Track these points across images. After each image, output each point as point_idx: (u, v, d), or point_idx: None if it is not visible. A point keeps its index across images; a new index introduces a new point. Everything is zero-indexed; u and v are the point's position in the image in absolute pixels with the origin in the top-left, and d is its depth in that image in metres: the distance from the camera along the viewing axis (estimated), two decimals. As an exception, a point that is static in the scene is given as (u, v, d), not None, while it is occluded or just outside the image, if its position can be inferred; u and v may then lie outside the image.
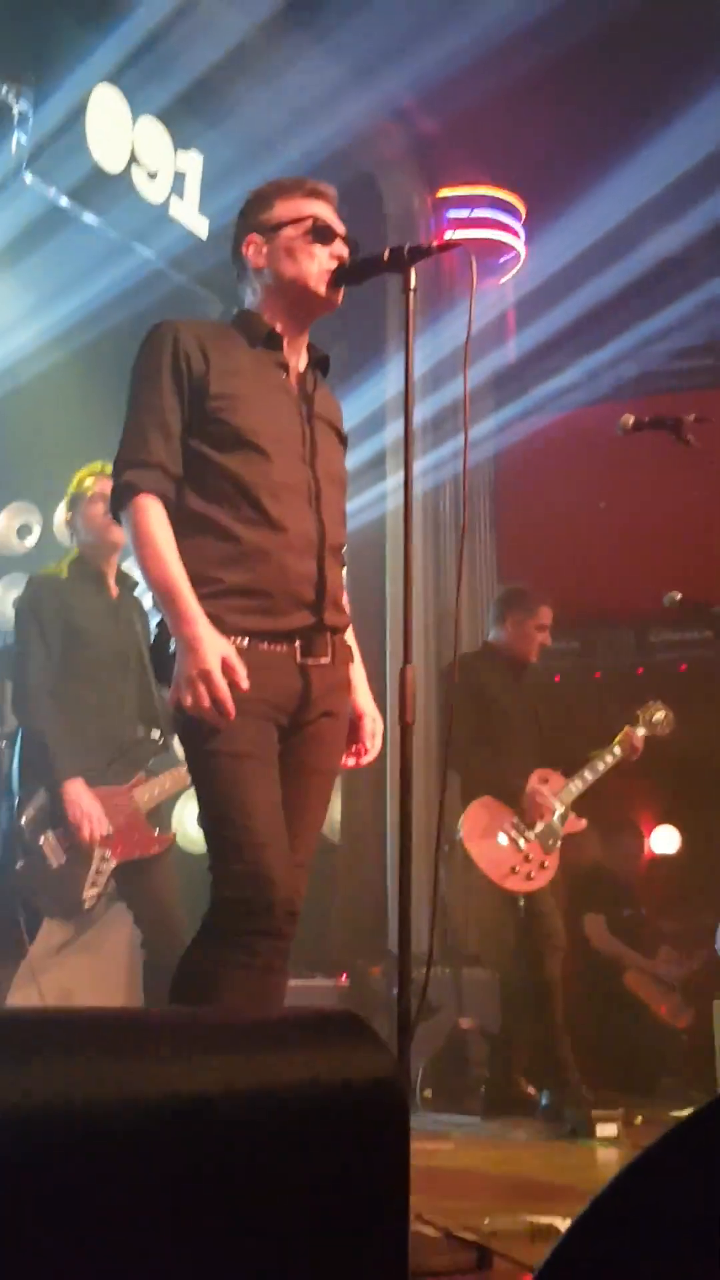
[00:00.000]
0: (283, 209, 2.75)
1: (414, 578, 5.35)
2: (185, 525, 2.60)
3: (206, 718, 2.45)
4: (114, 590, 4.39)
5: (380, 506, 6.72)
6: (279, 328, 2.74)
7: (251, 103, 6.13)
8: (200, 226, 6.33)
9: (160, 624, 2.61)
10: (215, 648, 2.46)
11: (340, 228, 2.73)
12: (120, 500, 2.61)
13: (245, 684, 2.44)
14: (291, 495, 2.61)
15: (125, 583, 4.39)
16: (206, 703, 2.44)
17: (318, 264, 2.71)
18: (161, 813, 4.41)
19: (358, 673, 2.82)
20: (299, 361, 2.77)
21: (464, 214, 7.30)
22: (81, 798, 4.08)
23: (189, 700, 2.45)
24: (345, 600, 2.75)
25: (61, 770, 4.11)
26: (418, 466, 6.62)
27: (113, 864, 4.11)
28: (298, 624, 2.60)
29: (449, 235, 6.89)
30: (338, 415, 2.87)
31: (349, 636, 2.78)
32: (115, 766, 4.26)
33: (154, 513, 2.56)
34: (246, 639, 2.53)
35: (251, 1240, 1.26)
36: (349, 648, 2.75)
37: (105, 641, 4.27)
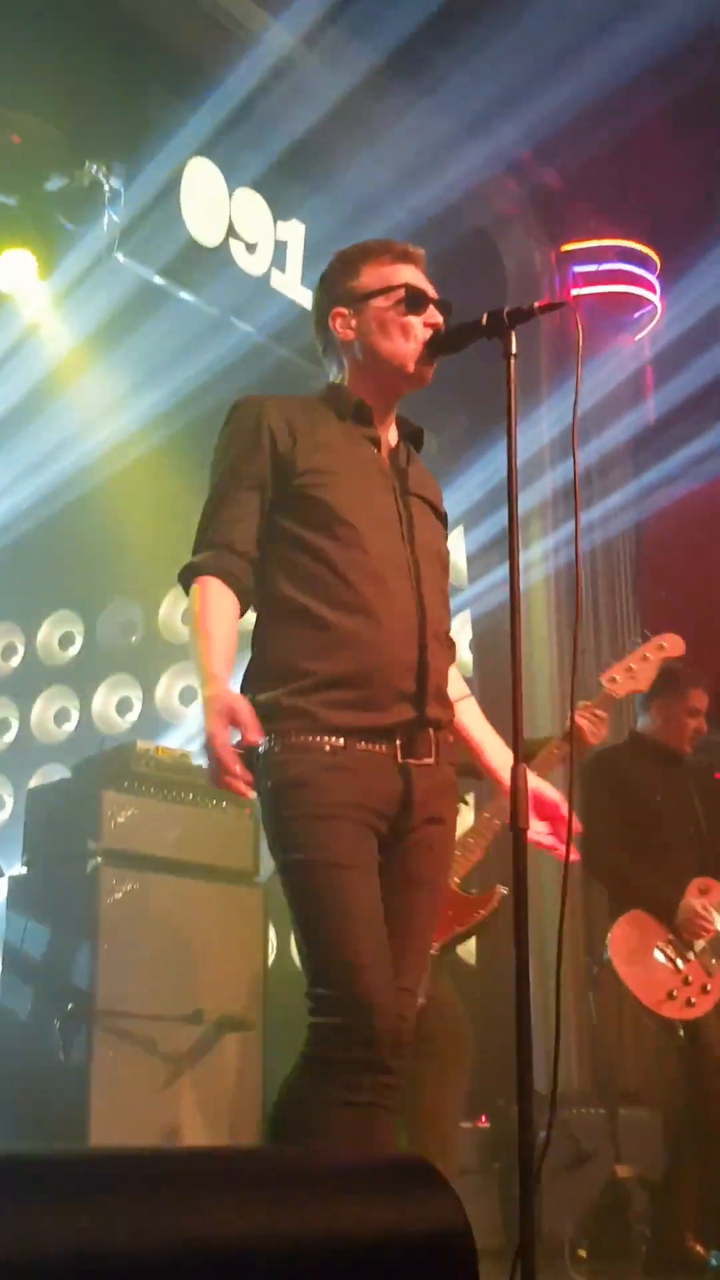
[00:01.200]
0: (370, 277, 2.65)
1: (547, 662, 5.06)
2: (274, 613, 2.52)
3: (233, 788, 2.36)
4: None
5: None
6: (367, 400, 2.65)
7: (354, 164, 5.90)
8: (303, 297, 6.06)
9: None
10: (222, 708, 2.37)
11: (433, 292, 2.63)
12: (184, 584, 2.56)
13: (254, 735, 2.36)
14: (389, 577, 2.50)
15: None
16: (214, 764, 2.36)
17: (411, 337, 2.61)
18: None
19: (488, 736, 2.73)
20: (390, 435, 2.68)
21: (591, 268, 7.06)
22: None
23: (215, 780, 2.39)
24: (459, 684, 2.66)
25: None
26: (550, 539, 6.24)
27: None
28: (398, 719, 2.46)
29: (575, 292, 6.66)
30: (435, 492, 2.75)
31: (469, 705, 2.70)
32: None
33: (212, 594, 2.49)
34: (342, 739, 2.40)
35: None
36: (454, 745, 2.61)
37: None
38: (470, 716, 2.74)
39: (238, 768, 2.32)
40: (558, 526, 6.46)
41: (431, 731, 2.52)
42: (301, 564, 2.52)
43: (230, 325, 5.89)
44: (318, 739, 2.42)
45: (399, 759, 2.47)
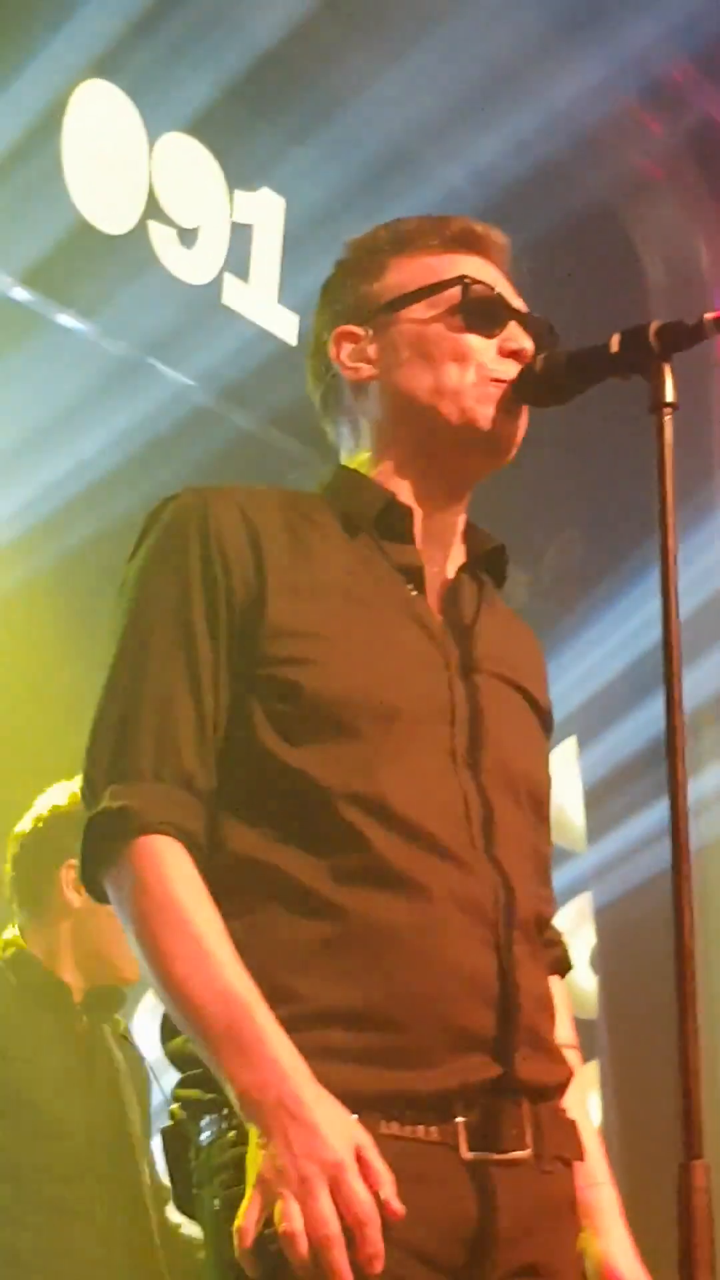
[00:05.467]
0: (403, 272, 2.16)
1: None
2: (231, 885, 1.97)
3: (323, 1267, 1.78)
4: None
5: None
6: (404, 495, 2.14)
7: (376, 87, 4.80)
8: (282, 323, 5.08)
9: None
10: (344, 1123, 1.84)
11: (517, 299, 2.17)
12: (103, 849, 1.97)
13: (398, 1204, 1.82)
14: (435, 825, 1.97)
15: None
16: (334, 1229, 1.78)
17: (473, 369, 2.11)
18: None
19: (603, 1185, 2.21)
20: (447, 560, 2.16)
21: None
22: None
23: (293, 1224, 1.78)
24: (565, 1022, 2.15)
25: None
26: None
27: None
28: (462, 1081, 1.91)
29: None
30: (534, 667, 2.22)
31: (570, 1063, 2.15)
32: None
33: (179, 867, 1.92)
34: (356, 1114, 1.86)
35: None
36: (575, 1128, 2.06)
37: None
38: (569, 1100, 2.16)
39: (379, 1235, 1.80)
40: None
41: (526, 1105, 1.97)
42: (275, 802, 1.99)
43: (150, 372, 4.67)
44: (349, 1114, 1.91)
45: (465, 1153, 1.92)
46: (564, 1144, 2.03)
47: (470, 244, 2.20)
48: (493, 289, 2.17)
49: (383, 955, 1.95)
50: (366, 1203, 1.78)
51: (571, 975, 4.78)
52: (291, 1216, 1.76)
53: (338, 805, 1.98)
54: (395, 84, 4.72)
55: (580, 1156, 2.11)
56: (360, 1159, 1.81)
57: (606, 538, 5.02)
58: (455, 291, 2.15)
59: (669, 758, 1.89)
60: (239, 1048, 1.85)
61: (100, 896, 2.02)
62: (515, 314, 2.17)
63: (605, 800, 4.93)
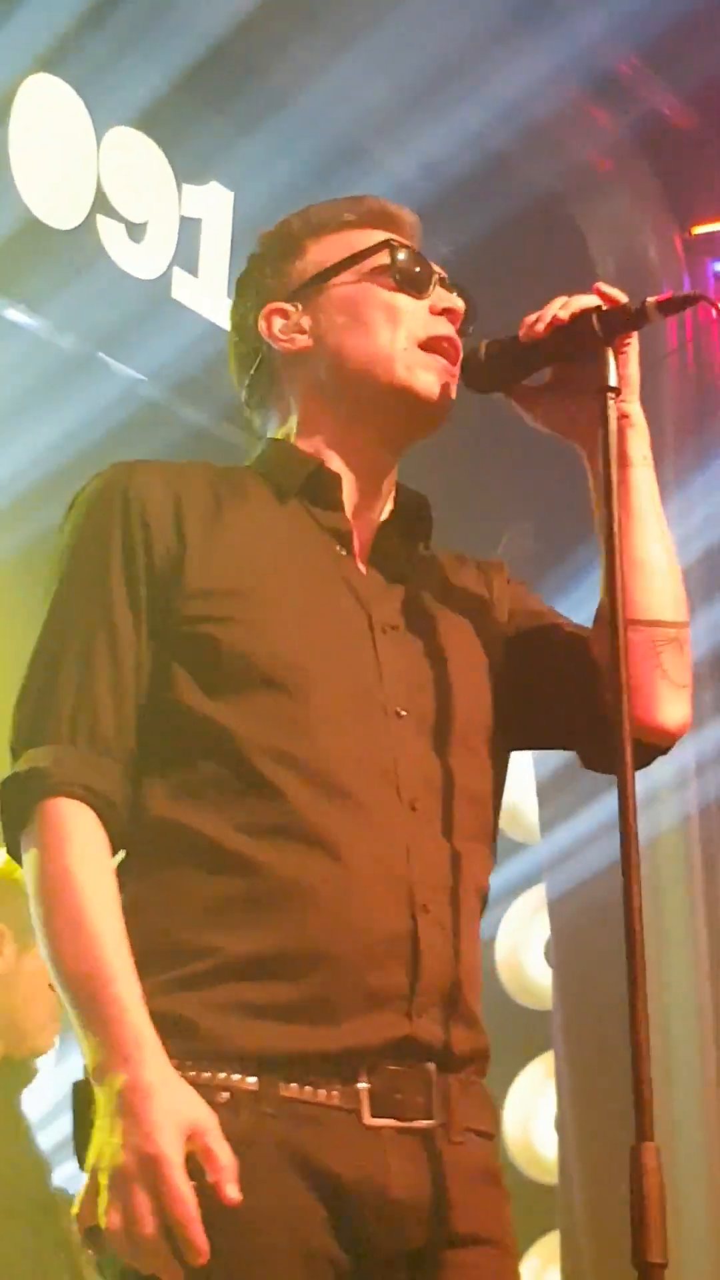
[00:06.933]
0: (324, 249, 2.18)
1: (690, 970, 4.64)
2: (145, 847, 1.96)
3: (143, 1265, 1.75)
4: None
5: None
6: (334, 463, 2.13)
7: (327, 79, 4.76)
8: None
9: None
10: (177, 1111, 1.77)
11: (438, 268, 2.20)
12: (15, 812, 1.94)
13: (234, 1192, 1.75)
14: (355, 781, 1.96)
15: None
16: (149, 1228, 1.74)
17: (407, 331, 2.12)
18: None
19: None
20: (377, 523, 2.16)
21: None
22: None
23: (115, 1220, 1.74)
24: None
25: None
26: (691, 750, 4.16)
27: None
28: (365, 1042, 1.88)
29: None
30: (474, 603, 2.19)
31: None
32: None
33: (79, 834, 1.90)
34: (256, 1076, 1.83)
35: None
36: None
37: None
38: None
39: (200, 1233, 1.74)
40: (702, 723, 4.62)
41: (433, 1070, 1.91)
42: (191, 758, 1.98)
43: (100, 366, 4.59)
44: (208, 1077, 1.83)
45: (366, 1117, 1.87)
46: (475, 1116, 1.99)
47: (385, 221, 2.21)
48: (415, 251, 2.17)
49: (293, 911, 1.93)
50: (183, 1200, 1.74)
51: (526, 967, 4.70)
52: (113, 1211, 1.74)
53: (255, 759, 1.97)
54: (344, 76, 4.56)
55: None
56: (201, 1146, 1.78)
57: (558, 530, 4.88)
58: (382, 256, 2.16)
59: (617, 746, 1.89)
60: (95, 1024, 1.84)
61: (20, 860, 2.01)
62: (440, 278, 2.18)
63: (558, 792, 4.86)
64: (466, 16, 4.50)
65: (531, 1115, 5.04)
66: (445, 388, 2.14)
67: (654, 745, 2.14)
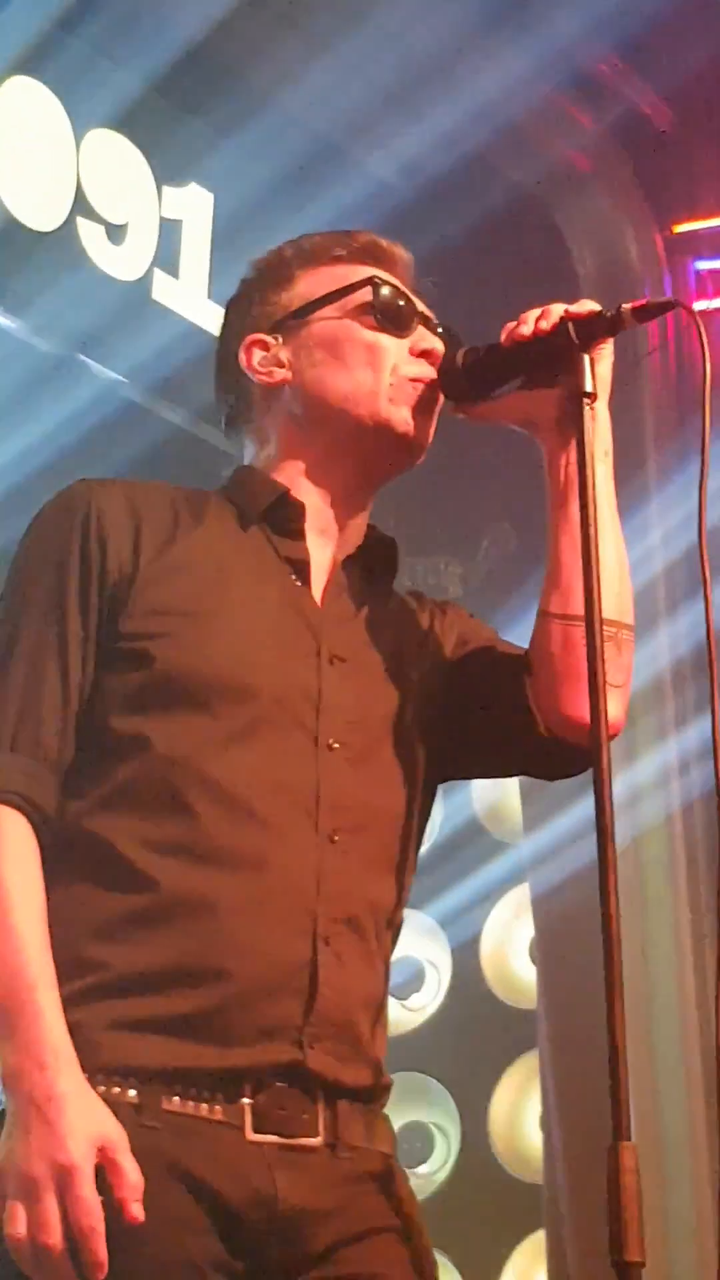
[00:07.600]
0: (312, 281, 2.21)
1: (674, 961, 4.67)
2: (62, 858, 1.96)
3: (42, 1276, 1.74)
4: None
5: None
6: (305, 493, 2.14)
7: (307, 81, 4.77)
8: (211, 317, 4.93)
9: None
10: (90, 1123, 1.78)
11: (423, 306, 2.21)
12: None
13: (138, 1211, 1.75)
14: (267, 805, 1.95)
15: None
16: (54, 1238, 1.74)
17: (385, 368, 2.13)
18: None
19: None
20: (341, 556, 2.15)
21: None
22: None
23: (18, 1227, 1.73)
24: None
25: None
26: (673, 745, 4.24)
27: None
28: (253, 1061, 1.87)
29: (701, 305, 5.41)
30: (425, 646, 2.19)
31: None
32: None
33: (13, 841, 1.92)
34: (134, 1089, 1.83)
35: None
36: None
37: None
38: None
39: (103, 1247, 1.74)
40: (685, 721, 4.63)
41: (320, 1096, 1.90)
42: (112, 772, 1.98)
43: (80, 368, 4.64)
44: (106, 1106, 1.83)
45: (249, 1134, 1.87)
46: (365, 1136, 1.98)
47: (376, 256, 2.22)
48: (400, 289, 2.18)
49: (189, 929, 1.92)
50: (92, 1212, 1.73)
51: (511, 966, 4.68)
52: (17, 1221, 1.73)
53: (172, 776, 1.96)
54: (322, 77, 4.61)
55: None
56: (110, 1161, 1.77)
57: (540, 530, 4.90)
58: (365, 293, 2.17)
59: (595, 748, 1.89)
60: (10, 1030, 1.84)
61: None
62: (424, 318, 2.18)
63: (541, 791, 4.73)
64: (445, 17, 4.52)
65: (516, 1114, 5.01)
66: (427, 430, 2.15)
67: (580, 746, 2.06)
